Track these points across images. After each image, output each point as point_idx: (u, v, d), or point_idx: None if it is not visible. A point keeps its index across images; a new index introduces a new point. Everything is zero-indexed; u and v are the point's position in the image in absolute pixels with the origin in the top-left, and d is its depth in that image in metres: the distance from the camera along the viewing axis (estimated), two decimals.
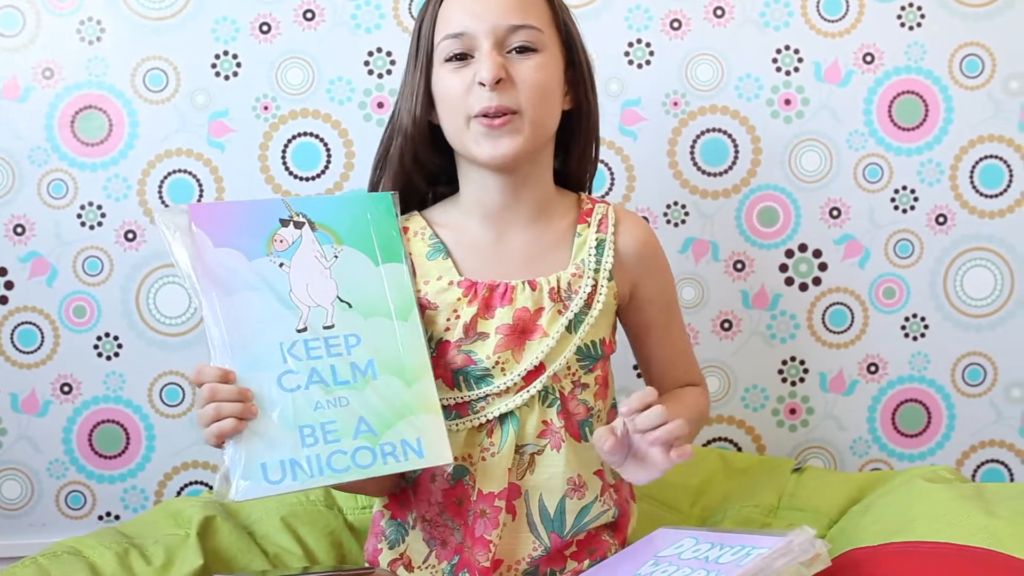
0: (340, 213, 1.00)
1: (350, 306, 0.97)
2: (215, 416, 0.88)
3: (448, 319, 1.00)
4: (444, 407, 0.98)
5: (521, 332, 1.00)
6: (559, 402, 1.00)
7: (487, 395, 0.99)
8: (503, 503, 0.98)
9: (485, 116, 0.98)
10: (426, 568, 1.02)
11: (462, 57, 0.99)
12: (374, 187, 1.09)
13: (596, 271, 1.03)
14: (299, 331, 0.94)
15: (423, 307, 1.01)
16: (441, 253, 1.04)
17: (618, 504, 1.05)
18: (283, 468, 0.88)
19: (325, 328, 0.95)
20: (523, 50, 0.99)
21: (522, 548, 1.00)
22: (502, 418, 0.99)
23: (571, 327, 1.01)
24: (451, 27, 0.99)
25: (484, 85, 0.97)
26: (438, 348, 1.00)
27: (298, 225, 0.98)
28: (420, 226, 1.06)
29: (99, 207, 1.37)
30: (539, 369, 0.99)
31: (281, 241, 0.97)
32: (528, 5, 1.01)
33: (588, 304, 1.02)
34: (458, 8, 1.00)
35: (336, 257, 0.98)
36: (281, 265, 0.96)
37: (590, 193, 1.12)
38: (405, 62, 1.07)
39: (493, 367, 0.99)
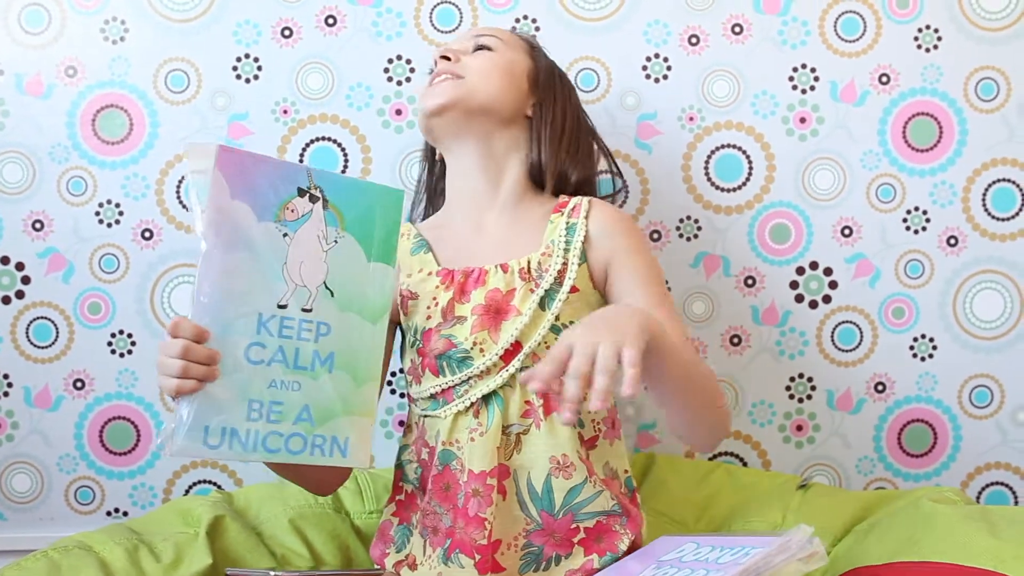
0: (353, 198, 0.98)
1: (332, 294, 0.96)
2: (182, 373, 0.88)
3: (428, 307, 1.07)
4: (431, 396, 1.04)
5: (496, 312, 1.04)
6: None
7: (469, 377, 1.04)
8: (495, 481, 1.01)
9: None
10: (425, 561, 1.04)
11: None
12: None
13: (566, 251, 1.07)
14: (280, 307, 0.94)
15: (405, 297, 1.08)
16: (423, 248, 1.12)
17: (615, 498, 1.05)
18: (223, 435, 0.90)
19: (303, 310, 0.95)
20: (480, 48, 1.16)
21: (515, 525, 1.02)
22: (487, 400, 1.03)
23: (543, 304, 1.05)
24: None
25: (436, 62, 1.14)
26: (422, 337, 1.06)
27: (313, 199, 0.96)
28: (406, 229, 1.16)
29: (117, 205, 1.38)
30: (516, 348, 1.03)
31: (292, 211, 0.95)
32: (500, 30, 1.20)
33: (559, 282, 1.06)
34: None
35: (336, 242, 0.97)
36: (284, 235, 0.94)
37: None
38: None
39: (472, 348, 1.04)
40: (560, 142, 1.15)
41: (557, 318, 1.04)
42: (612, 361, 0.84)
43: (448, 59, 1.14)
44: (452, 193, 1.17)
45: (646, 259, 1.11)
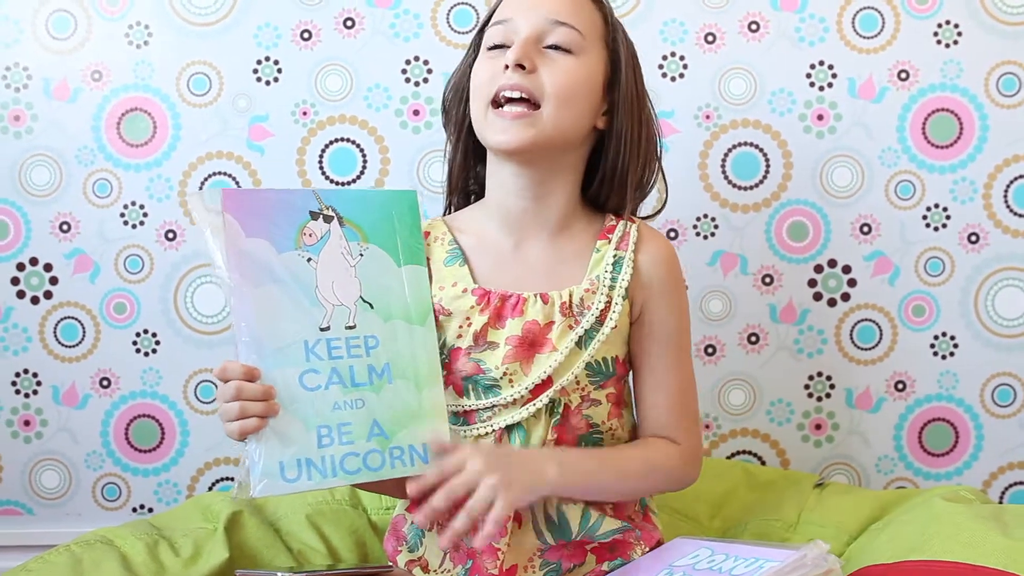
0: (367, 209, 0.98)
1: (371, 307, 0.95)
2: (241, 414, 0.88)
3: (460, 326, 1.01)
4: (453, 414, 1.01)
5: (530, 344, 1.00)
6: (561, 415, 1.00)
7: (494, 405, 1.00)
8: (511, 512, 0.97)
9: (498, 104, 0.99)
10: (442, 572, 1.03)
11: (501, 47, 1.02)
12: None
13: (611, 288, 1.02)
14: (322, 329, 0.93)
15: (437, 312, 1.01)
16: (458, 260, 1.04)
17: (625, 518, 1.03)
18: (299, 467, 0.89)
19: (347, 328, 0.94)
20: (558, 49, 1.01)
21: (530, 548, 1.00)
22: (509, 429, 1.00)
23: (581, 343, 1.00)
24: (498, 15, 1.03)
25: (508, 67, 0.99)
26: (450, 354, 1.01)
27: (327, 219, 0.95)
28: (441, 232, 1.08)
29: (141, 207, 1.41)
30: (547, 383, 0.99)
31: (310, 235, 0.94)
32: (579, 10, 1.02)
33: (600, 320, 1.01)
34: (511, 1, 1.03)
35: (362, 255, 0.96)
36: (309, 260, 0.94)
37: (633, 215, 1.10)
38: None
39: (501, 378, 0.99)
40: (638, 155, 1.05)
41: (591, 356, 1.00)
42: (480, 507, 0.89)
43: (523, 67, 0.99)
44: (494, 203, 1.07)
45: (678, 310, 1.06)
